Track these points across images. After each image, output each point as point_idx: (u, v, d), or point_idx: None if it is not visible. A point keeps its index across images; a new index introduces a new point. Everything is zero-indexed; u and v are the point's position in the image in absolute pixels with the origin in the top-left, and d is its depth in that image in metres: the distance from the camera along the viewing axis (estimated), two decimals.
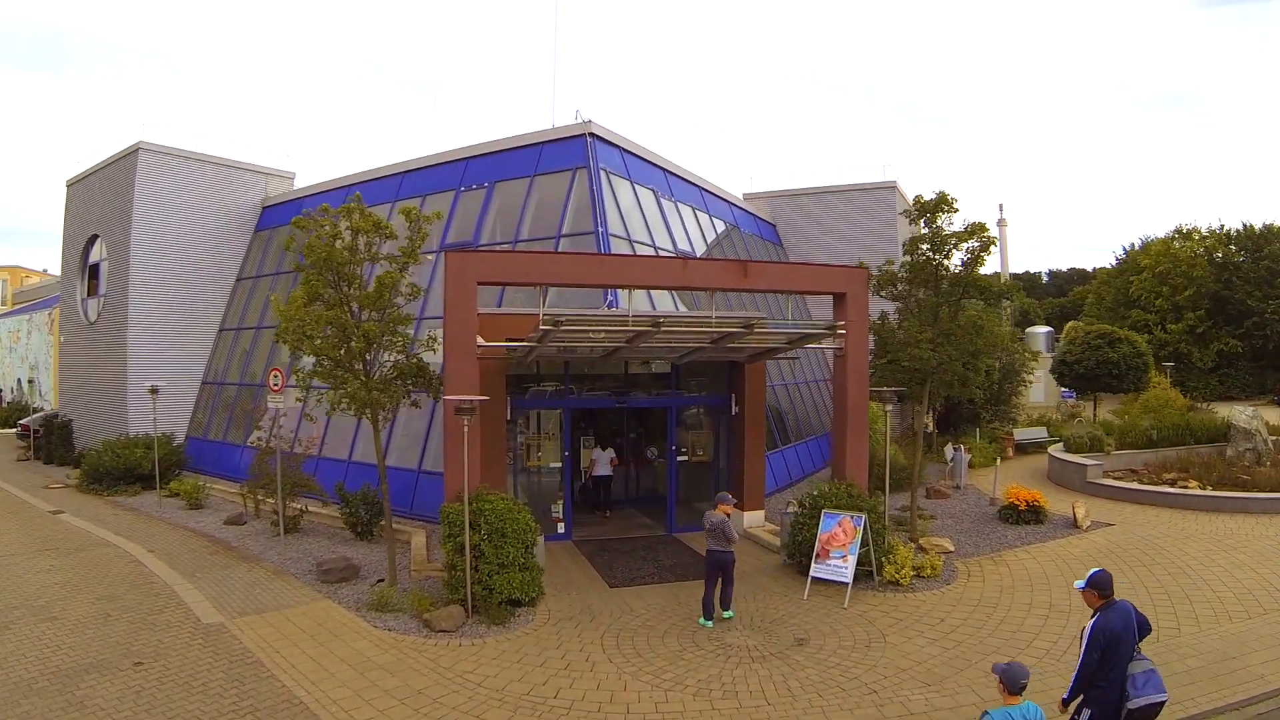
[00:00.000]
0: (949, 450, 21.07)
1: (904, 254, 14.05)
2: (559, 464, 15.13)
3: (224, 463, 22.03)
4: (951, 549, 13.73)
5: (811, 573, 11.57)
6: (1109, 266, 58.57)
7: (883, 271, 13.59)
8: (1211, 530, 14.84)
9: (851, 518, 11.51)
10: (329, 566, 12.23)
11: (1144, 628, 6.37)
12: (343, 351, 10.83)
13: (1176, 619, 10.55)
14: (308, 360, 11.34)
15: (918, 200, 13.52)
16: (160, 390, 22.43)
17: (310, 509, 16.41)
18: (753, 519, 15.46)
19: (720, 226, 24.84)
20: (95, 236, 26.25)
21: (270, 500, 15.63)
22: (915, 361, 12.97)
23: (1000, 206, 73.51)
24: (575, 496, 16.49)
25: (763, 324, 11.05)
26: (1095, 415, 31.86)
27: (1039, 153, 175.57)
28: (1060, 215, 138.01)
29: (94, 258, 26.57)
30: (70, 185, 28.37)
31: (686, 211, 22.47)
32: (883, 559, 11.96)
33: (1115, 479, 19.22)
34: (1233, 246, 48.95)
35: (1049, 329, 52.36)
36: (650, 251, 18.83)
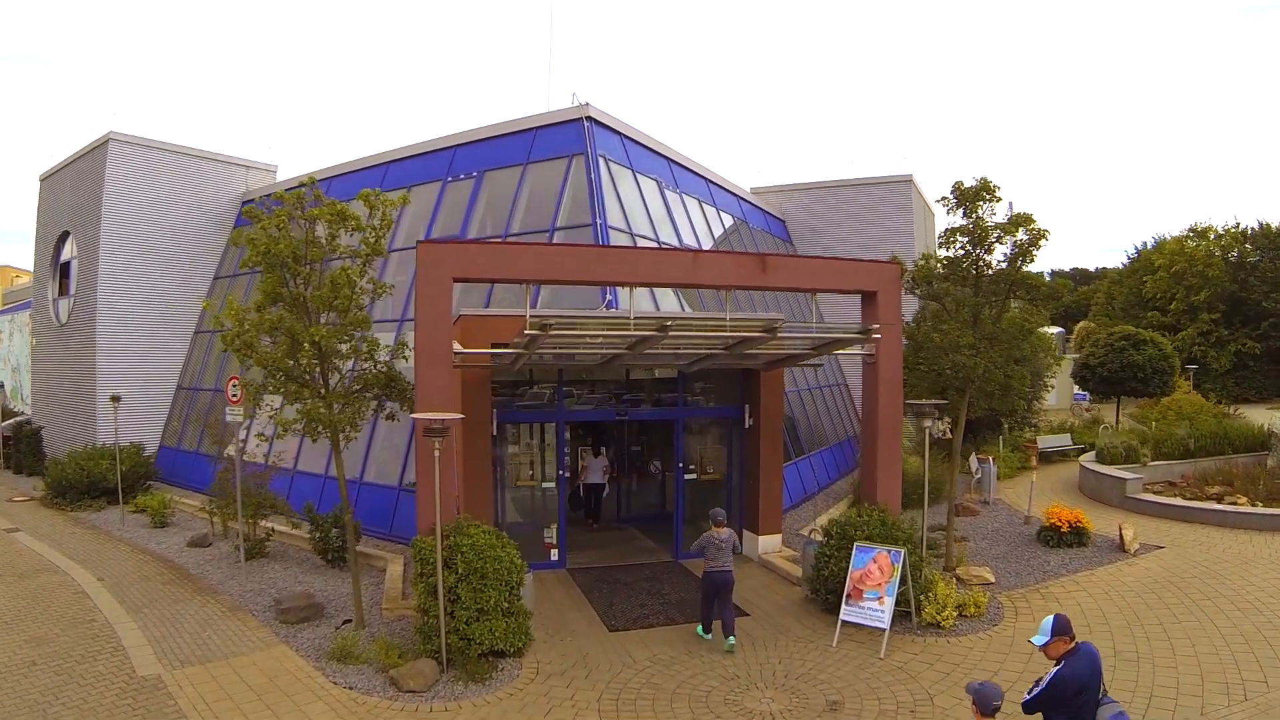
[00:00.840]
0: (974, 461, 19.58)
1: (939, 246, 12.60)
2: (552, 484, 13.62)
3: (197, 475, 20.56)
4: (992, 580, 12.26)
5: (842, 615, 10.07)
6: (1119, 267, 57.10)
7: (918, 266, 12.12)
8: (1272, 553, 13.37)
9: (888, 553, 10.01)
10: (289, 605, 10.75)
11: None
12: (293, 362, 9.33)
13: (1261, 670, 9.07)
14: (258, 371, 9.81)
15: (957, 186, 12.05)
16: (129, 397, 21.11)
17: (281, 528, 14.95)
18: (768, 544, 13.93)
19: (728, 221, 23.36)
20: (66, 233, 24.81)
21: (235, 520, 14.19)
22: (956, 369, 11.50)
23: (1010, 205, 71.62)
24: (567, 509, 15.12)
25: (785, 327, 9.53)
26: (1117, 420, 30.42)
27: (1036, 152, 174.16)
28: (1059, 215, 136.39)
29: (65, 255, 25.13)
30: (43, 180, 26.95)
31: (692, 204, 20.99)
32: (921, 597, 10.49)
33: (1156, 493, 17.77)
34: (1249, 245, 47.53)
35: (1060, 329, 50.90)
36: (653, 245, 17.35)
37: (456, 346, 9.81)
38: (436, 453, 8.34)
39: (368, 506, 15.79)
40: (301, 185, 9.92)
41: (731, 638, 9.80)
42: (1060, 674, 5.52)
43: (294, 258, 9.24)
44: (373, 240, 9.63)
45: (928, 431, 10.87)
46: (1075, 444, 25.49)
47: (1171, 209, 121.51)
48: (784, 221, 29.00)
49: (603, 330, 9.26)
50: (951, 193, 12.17)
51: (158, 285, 23.10)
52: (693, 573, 13.05)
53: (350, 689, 8.70)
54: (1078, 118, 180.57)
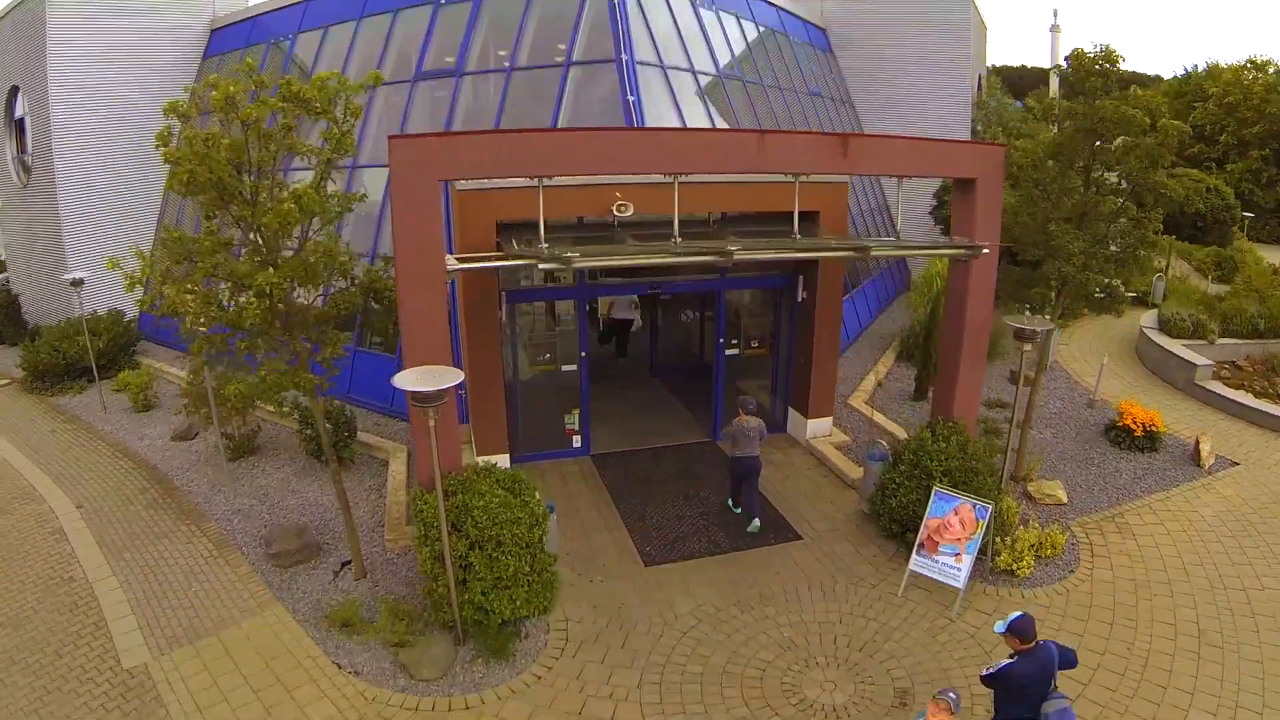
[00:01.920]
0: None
1: (1046, 117, 10.44)
2: (573, 366, 12.01)
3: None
4: (1064, 500, 10.91)
5: (912, 566, 8.79)
6: (1155, 75, 52.06)
7: (1021, 149, 10.11)
8: None
9: (973, 506, 8.56)
10: (280, 549, 9.48)
11: (1069, 663, 6.17)
12: (239, 309, 7.35)
13: None
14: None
15: (1077, 56, 9.73)
16: (102, 260, 19.13)
17: (269, 409, 13.28)
18: (818, 427, 12.58)
19: (766, 34, 20.21)
20: (16, 88, 21.59)
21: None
22: (1050, 250, 9.82)
23: (1055, 12, 65.04)
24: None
25: (880, 244, 7.50)
26: (1168, 268, 28.19)
27: None
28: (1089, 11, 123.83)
29: (19, 111, 21.99)
30: None
31: (729, 20, 17.98)
32: (998, 539, 9.20)
33: (1225, 381, 15.83)
34: None
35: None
36: (688, 77, 14.91)
37: (450, 261, 7.78)
38: (432, 423, 6.63)
39: (365, 378, 14.48)
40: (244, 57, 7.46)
41: (756, 520, 10.03)
42: (1009, 668, 5.86)
43: (234, 170, 7.06)
44: (336, 137, 7.38)
45: (1023, 357, 8.95)
46: (1126, 291, 23.63)
47: (1215, 29, 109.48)
48: (825, 31, 25.39)
49: (643, 257, 7.19)
50: (1066, 61, 9.84)
51: (120, 136, 20.12)
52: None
53: (356, 674, 7.58)
54: None
